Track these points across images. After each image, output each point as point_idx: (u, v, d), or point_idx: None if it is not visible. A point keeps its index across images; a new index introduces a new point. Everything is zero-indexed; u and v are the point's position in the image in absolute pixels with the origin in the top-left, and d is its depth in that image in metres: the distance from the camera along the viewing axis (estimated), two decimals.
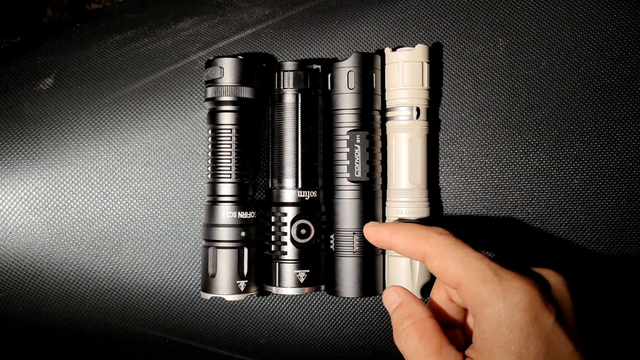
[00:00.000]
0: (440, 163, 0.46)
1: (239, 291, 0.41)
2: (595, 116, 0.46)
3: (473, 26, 0.47)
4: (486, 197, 0.46)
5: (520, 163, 0.46)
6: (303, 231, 0.42)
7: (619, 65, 0.46)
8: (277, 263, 0.42)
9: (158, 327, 0.47)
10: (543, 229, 0.46)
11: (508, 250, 0.46)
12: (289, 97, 0.43)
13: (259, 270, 0.43)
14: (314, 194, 0.43)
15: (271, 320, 0.47)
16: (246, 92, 0.42)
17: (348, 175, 0.43)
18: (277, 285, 0.42)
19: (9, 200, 0.46)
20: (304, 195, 0.43)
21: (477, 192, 0.46)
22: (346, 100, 0.43)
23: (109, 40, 0.50)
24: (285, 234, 0.42)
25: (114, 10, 0.54)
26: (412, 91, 0.43)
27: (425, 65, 0.43)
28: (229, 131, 0.42)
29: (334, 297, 0.47)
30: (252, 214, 0.43)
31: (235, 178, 0.42)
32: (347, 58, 0.43)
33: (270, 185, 0.44)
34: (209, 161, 0.43)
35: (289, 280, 0.42)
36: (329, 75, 0.44)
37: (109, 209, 0.46)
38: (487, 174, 0.46)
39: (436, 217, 0.46)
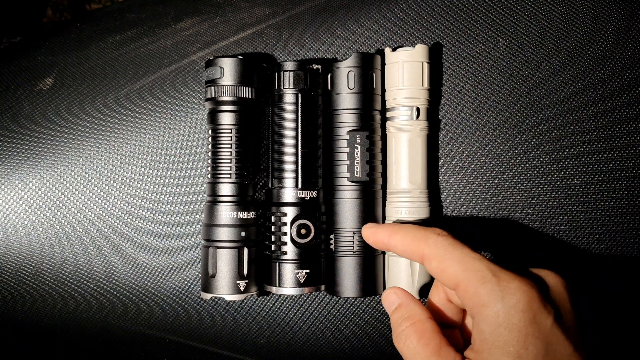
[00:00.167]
0: (440, 163, 0.46)
1: (239, 291, 0.41)
2: (595, 116, 0.46)
3: (473, 26, 0.47)
4: (486, 197, 0.46)
5: (520, 163, 0.46)
6: (303, 231, 0.42)
7: (619, 65, 0.46)
8: (277, 263, 0.42)
9: (158, 327, 0.47)
10: (543, 229, 0.46)
11: (508, 251, 0.46)
12: (289, 97, 0.43)
13: (259, 270, 0.43)
14: (314, 194, 0.43)
15: (271, 320, 0.47)
16: (246, 92, 0.42)
17: (348, 175, 0.43)
18: (277, 285, 0.42)
19: (9, 200, 0.46)
20: (304, 195, 0.43)
21: (477, 192, 0.46)
22: (346, 100, 0.43)
23: (109, 40, 0.50)
24: (285, 234, 0.42)
25: (114, 10, 0.54)
26: (412, 91, 0.43)
27: (425, 65, 0.43)
28: (229, 131, 0.42)
29: (334, 297, 0.47)
30: (252, 214, 0.43)
31: (235, 178, 0.42)
32: (347, 58, 0.43)
33: (270, 185, 0.44)
34: (209, 161, 0.43)
35: (289, 280, 0.42)
36: (329, 75, 0.44)
37: (109, 209, 0.46)
38: (487, 174, 0.46)
39: (436, 217, 0.46)
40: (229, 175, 0.42)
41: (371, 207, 0.43)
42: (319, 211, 0.43)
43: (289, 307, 0.47)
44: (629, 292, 0.46)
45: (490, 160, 0.46)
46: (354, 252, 0.43)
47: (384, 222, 0.44)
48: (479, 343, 0.32)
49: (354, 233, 0.43)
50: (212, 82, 0.42)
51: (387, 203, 0.44)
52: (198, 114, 0.47)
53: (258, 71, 0.43)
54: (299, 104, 0.43)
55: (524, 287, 0.31)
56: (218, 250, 0.41)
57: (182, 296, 0.46)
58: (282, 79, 0.43)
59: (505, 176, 0.46)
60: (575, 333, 0.32)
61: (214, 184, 0.43)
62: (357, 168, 0.43)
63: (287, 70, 0.43)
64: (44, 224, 0.46)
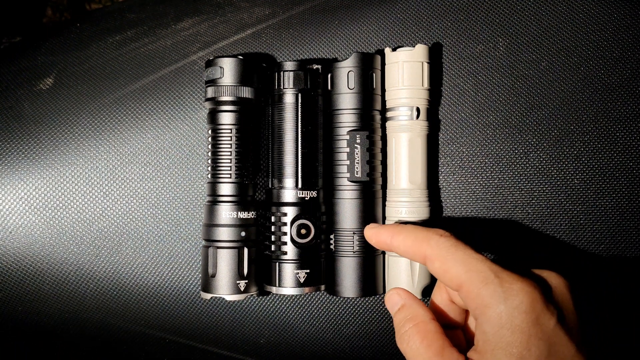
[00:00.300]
0: (440, 163, 0.46)
1: (239, 291, 0.41)
2: (595, 116, 0.46)
3: (473, 26, 0.47)
4: (486, 197, 0.46)
5: (520, 163, 0.46)
6: (303, 231, 0.42)
7: (619, 65, 0.46)
8: (277, 263, 0.42)
9: (158, 327, 0.47)
10: (543, 229, 0.46)
11: (508, 251, 0.46)
12: (289, 97, 0.43)
13: (259, 270, 0.43)
14: (314, 194, 0.43)
15: (271, 320, 0.47)
16: (246, 92, 0.42)
17: (348, 175, 0.43)
18: (277, 285, 0.42)
19: (9, 200, 0.46)
20: (304, 195, 0.43)
21: (477, 192, 0.46)
22: (346, 100, 0.43)
23: (109, 40, 0.50)
24: (285, 234, 0.42)
25: (114, 10, 0.54)
26: (412, 91, 0.43)
27: (425, 65, 0.43)
28: (229, 131, 0.42)
29: (334, 297, 0.47)
30: (252, 214, 0.43)
31: (235, 178, 0.42)
32: (347, 58, 0.43)
33: (270, 185, 0.44)
34: (209, 161, 0.43)
35: (289, 280, 0.42)
36: (329, 75, 0.44)
37: (109, 208, 0.46)
38: (487, 174, 0.46)
39: (436, 217, 0.46)
40: (229, 175, 0.42)
41: (371, 207, 0.43)
42: (319, 211, 0.43)
43: (289, 307, 0.47)
44: (629, 292, 0.46)
45: (490, 160, 0.46)
46: (354, 252, 0.43)
47: (384, 222, 0.44)
48: (481, 344, 0.32)
49: (354, 233, 0.43)
50: (212, 82, 0.42)
51: (387, 203, 0.44)
52: (198, 114, 0.47)
53: (258, 71, 0.43)
54: (299, 104, 0.43)
55: (526, 289, 0.31)
56: (218, 250, 0.41)
57: (182, 296, 0.46)
58: (282, 79, 0.43)
59: (505, 176, 0.46)
60: (578, 334, 0.32)
61: (214, 184, 0.42)
62: (357, 168, 0.43)
63: (287, 70, 0.43)
64: (44, 224, 0.46)
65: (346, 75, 0.43)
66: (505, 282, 0.31)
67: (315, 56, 0.47)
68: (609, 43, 0.47)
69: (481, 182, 0.46)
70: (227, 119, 0.42)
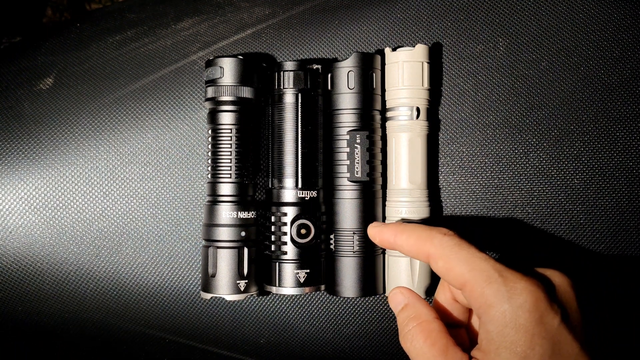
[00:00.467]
0: (440, 163, 0.46)
1: (239, 291, 0.41)
2: (595, 116, 0.46)
3: (473, 26, 0.47)
4: (486, 197, 0.46)
5: (520, 163, 0.46)
6: (303, 231, 0.42)
7: (619, 65, 0.46)
8: (277, 263, 0.42)
9: (158, 327, 0.47)
10: (543, 229, 0.46)
11: (508, 250, 0.46)
12: (289, 97, 0.43)
13: (259, 270, 0.43)
14: (314, 193, 0.43)
15: (271, 320, 0.47)
16: (246, 92, 0.42)
17: (348, 175, 0.43)
18: (277, 285, 0.42)
19: (9, 200, 0.46)
20: (304, 195, 0.43)
21: (477, 192, 0.46)
22: (346, 100, 0.43)
23: (109, 40, 0.50)
24: (285, 233, 0.42)
25: (114, 10, 0.54)
26: (412, 91, 0.43)
27: (425, 65, 0.43)
28: (229, 131, 0.42)
29: (334, 297, 0.47)
30: (252, 214, 0.43)
31: (235, 178, 0.42)
32: (347, 58, 0.43)
33: (270, 185, 0.44)
34: (209, 161, 0.43)
35: (289, 280, 0.42)
36: (329, 75, 0.44)
37: (109, 208, 0.46)
38: (487, 174, 0.46)
39: (436, 217, 0.46)
40: (229, 175, 0.42)
41: (371, 207, 0.43)
42: (319, 211, 0.43)
43: (289, 307, 0.47)
44: (629, 292, 0.46)
45: (490, 160, 0.46)
46: (354, 252, 0.43)
47: (384, 222, 0.44)
48: (485, 343, 0.32)
49: (354, 233, 0.43)
50: (212, 82, 0.42)
51: (387, 203, 0.44)
52: (198, 114, 0.47)
53: (258, 71, 0.43)
54: (299, 104, 0.43)
55: (530, 287, 0.31)
56: (218, 250, 0.41)
57: (182, 296, 0.46)
58: (282, 79, 0.43)
59: (505, 176, 0.46)
60: (582, 333, 0.32)
61: (214, 183, 0.42)
62: (357, 168, 0.43)
63: (287, 70, 0.43)
64: (44, 224, 0.46)
65: (346, 75, 0.43)
66: (509, 281, 0.31)
67: (315, 56, 0.47)
68: (609, 43, 0.47)
69: (481, 182, 0.46)
70: (227, 119, 0.42)
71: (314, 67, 0.43)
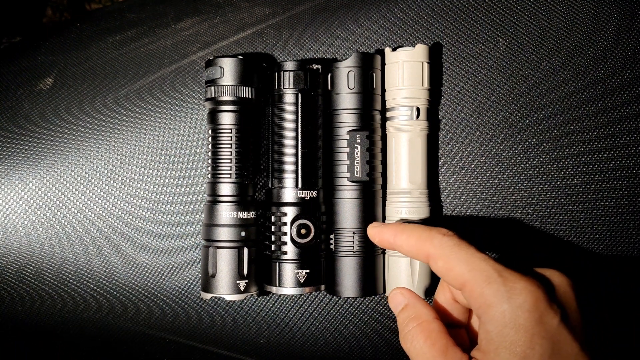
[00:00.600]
0: (440, 163, 0.46)
1: (239, 291, 0.41)
2: (595, 116, 0.46)
3: (473, 26, 0.47)
4: (486, 197, 0.46)
5: (520, 163, 0.46)
6: (303, 231, 0.42)
7: (619, 65, 0.46)
8: (277, 263, 0.42)
9: (158, 327, 0.47)
10: (543, 229, 0.46)
11: (508, 251, 0.46)
12: (289, 97, 0.43)
13: (259, 270, 0.43)
14: (314, 193, 0.43)
15: (271, 320, 0.47)
16: (246, 92, 0.42)
17: (348, 175, 0.43)
18: (277, 285, 0.42)
19: (9, 200, 0.46)
20: (304, 195, 0.43)
21: (477, 192, 0.46)
22: (346, 100, 0.43)
23: (109, 40, 0.50)
24: (285, 233, 0.42)
25: (114, 10, 0.54)
26: (412, 91, 0.43)
27: (425, 65, 0.43)
28: (229, 131, 0.42)
29: (334, 297, 0.47)
30: (252, 214, 0.43)
31: (235, 178, 0.42)
32: (347, 58, 0.43)
33: (270, 185, 0.44)
34: (209, 161, 0.43)
35: (289, 280, 0.42)
36: (329, 75, 0.44)
37: (109, 208, 0.46)
38: (487, 174, 0.46)
39: (436, 217, 0.46)
40: (229, 175, 0.42)
41: (371, 207, 0.43)
42: (319, 211, 0.43)
43: (289, 307, 0.47)
44: (629, 292, 0.46)
45: (490, 160, 0.46)
46: (354, 252, 0.43)
47: (384, 222, 0.44)
48: (485, 343, 0.32)
49: (354, 233, 0.43)
50: (212, 82, 0.42)
51: (387, 203, 0.44)
52: (198, 114, 0.47)
53: (258, 71, 0.43)
54: (299, 104, 0.43)
55: (530, 287, 0.31)
56: (218, 250, 0.41)
57: (182, 296, 0.46)
58: (282, 79, 0.43)
59: (505, 176, 0.46)
60: (582, 332, 0.32)
61: (214, 183, 0.42)
62: (357, 168, 0.43)
63: (287, 70, 0.43)
64: (44, 224, 0.46)
65: (346, 75, 0.43)
66: (508, 281, 0.31)
67: (315, 56, 0.47)
68: (609, 43, 0.47)
69: (481, 182, 0.46)
70: (227, 119, 0.42)
71: (314, 67, 0.43)
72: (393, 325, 0.47)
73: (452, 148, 0.46)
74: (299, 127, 0.43)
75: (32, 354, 0.51)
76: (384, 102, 0.45)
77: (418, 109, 0.43)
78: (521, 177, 0.46)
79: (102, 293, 0.46)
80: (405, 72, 0.43)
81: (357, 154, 0.43)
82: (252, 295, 0.43)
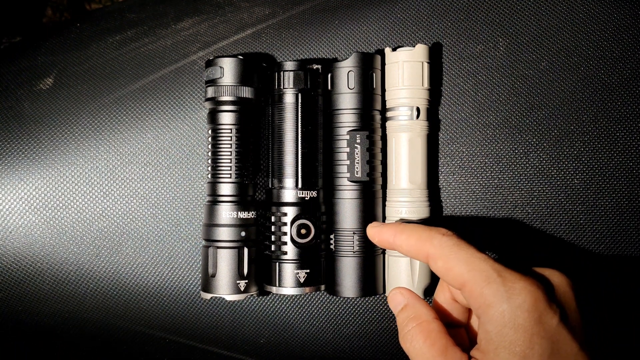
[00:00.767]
0: (440, 163, 0.46)
1: (239, 291, 0.41)
2: (595, 116, 0.46)
3: (473, 26, 0.47)
4: (486, 197, 0.46)
5: (520, 163, 0.46)
6: (303, 231, 0.42)
7: (619, 65, 0.46)
8: (277, 263, 0.42)
9: (158, 327, 0.47)
10: (543, 229, 0.46)
11: (508, 251, 0.46)
12: (289, 97, 0.43)
13: (259, 270, 0.43)
14: (314, 193, 0.43)
15: (271, 320, 0.47)
16: (246, 92, 0.42)
17: (348, 175, 0.43)
18: (277, 285, 0.42)
19: (9, 200, 0.46)
20: (304, 195, 0.43)
21: (477, 192, 0.46)
22: (346, 100, 0.43)
23: (109, 40, 0.50)
24: (285, 234, 0.42)
25: (114, 10, 0.54)
26: (412, 91, 0.43)
27: (425, 65, 0.43)
28: (229, 131, 0.42)
29: (334, 297, 0.47)
30: (252, 214, 0.43)
31: (235, 178, 0.42)
32: (347, 58, 0.43)
33: (270, 185, 0.44)
34: (209, 161, 0.43)
35: (289, 280, 0.42)
36: (329, 75, 0.44)
37: (109, 208, 0.46)
38: (487, 174, 0.46)
39: (436, 217, 0.46)
40: (229, 175, 0.42)
41: (371, 207, 0.43)
42: (319, 211, 0.43)
43: (289, 307, 0.47)
44: (629, 292, 0.46)
45: (490, 160, 0.46)
46: (354, 252, 0.43)
47: (384, 222, 0.44)
48: (484, 343, 0.32)
49: (354, 233, 0.43)
50: (212, 82, 0.42)
51: (387, 203, 0.44)
52: (198, 114, 0.47)
53: (258, 71, 0.43)
54: (299, 104, 0.43)
55: (529, 287, 0.31)
56: (218, 250, 0.41)
57: (182, 296, 0.46)
58: (282, 79, 0.43)
59: (505, 176, 0.46)
60: (581, 332, 0.32)
61: (214, 183, 0.42)
62: (357, 168, 0.43)
63: (287, 70, 0.43)
64: (44, 224, 0.46)
65: (346, 75, 0.43)
66: (507, 281, 0.31)
67: (315, 56, 0.47)
68: (609, 43, 0.47)
69: (481, 182, 0.46)
70: (227, 119, 0.42)
71: (314, 67, 0.43)
72: (393, 325, 0.47)
73: (452, 148, 0.46)
74: (299, 127, 0.43)
75: (32, 354, 0.51)
76: (384, 102, 0.45)
77: (418, 109, 0.43)
78: (521, 177, 0.46)
79: (102, 293, 0.46)
80: (405, 72, 0.43)
81: (357, 154, 0.43)
82: (252, 295, 0.43)
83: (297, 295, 0.47)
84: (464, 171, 0.46)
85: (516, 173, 0.46)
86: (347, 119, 0.43)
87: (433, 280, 0.43)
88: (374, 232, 0.40)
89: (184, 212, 0.46)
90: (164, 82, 0.47)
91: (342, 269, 0.43)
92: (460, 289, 0.33)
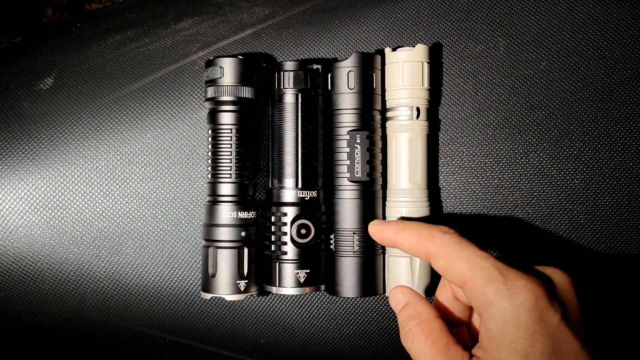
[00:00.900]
0: (440, 163, 0.46)
1: (239, 291, 0.41)
2: (595, 116, 0.46)
3: (473, 26, 0.47)
4: (486, 197, 0.46)
5: (520, 163, 0.46)
6: (303, 231, 0.42)
7: (619, 65, 0.46)
8: (277, 263, 0.42)
9: (158, 327, 0.47)
10: (543, 229, 0.46)
11: (508, 251, 0.46)
12: (289, 97, 0.43)
13: (259, 270, 0.43)
14: (314, 193, 0.43)
15: (271, 320, 0.47)
16: (246, 92, 0.42)
17: (348, 175, 0.43)
18: (277, 285, 0.42)
19: (9, 200, 0.46)
20: (304, 195, 0.43)
21: (477, 192, 0.46)
22: (346, 100, 0.43)
23: (109, 40, 0.50)
24: (285, 233, 0.42)
25: (114, 10, 0.54)
26: (412, 91, 0.43)
27: (425, 65, 0.43)
28: (229, 131, 0.42)
29: (334, 297, 0.47)
30: (252, 214, 0.43)
31: (235, 178, 0.42)
32: (347, 58, 0.43)
33: (270, 185, 0.44)
34: (209, 161, 0.43)
35: (289, 280, 0.42)
36: (329, 75, 0.44)
37: (109, 208, 0.46)
38: (487, 174, 0.46)
39: (436, 217, 0.46)
40: (229, 175, 0.42)
41: (371, 207, 0.43)
42: (319, 211, 0.43)
43: (289, 307, 0.47)
44: (629, 292, 0.46)
45: (490, 160, 0.46)
46: (354, 252, 0.43)
47: None
48: (486, 341, 0.32)
49: (354, 233, 0.43)
50: (212, 82, 0.42)
51: (387, 203, 0.44)
52: (198, 114, 0.47)
53: (258, 71, 0.43)
54: (299, 104, 0.43)
55: (530, 286, 0.31)
56: (218, 250, 0.41)
57: (182, 296, 0.46)
58: (282, 79, 0.43)
59: (505, 176, 0.46)
60: (582, 330, 0.32)
61: (214, 183, 0.42)
62: (357, 168, 0.43)
63: (287, 70, 0.43)
64: (44, 224, 0.46)
65: (346, 75, 0.43)
66: (509, 279, 0.31)
67: (315, 56, 0.47)
68: (609, 43, 0.47)
69: (481, 182, 0.46)
70: (227, 119, 0.42)
71: (314, 67, 0.43)
72: (393, 325, 0.47)
73: (452, 148, 0.46)
74: (299, 127, 0.43)
75: (32, 354, 0.51)
76: (384, 102, 0.45)
77: (418, 109, 0.43)
78: (521, 177, 0.46)
79: (102, 293, 0.46)
80: (405, 72, 0.43)
81: (357, 154, 0.43)
82: (252, 295, 0.43)
83: (297, 295, 0.47)
84: (464, 171, 0.46)
85: (516, 173, 0.46)
86: (347, 119, 0.43)
87: (433, 280, 0.43)
88: (376, 229, 0.40)
89: (184, 212, 0.46)
90: (164, 82, 0.47)
91: (342, 269, 0.43)
92: (462, 287, 0.33)
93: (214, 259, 0.41)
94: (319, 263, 0.43)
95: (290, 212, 0.42)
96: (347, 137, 0.43)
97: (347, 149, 0.43)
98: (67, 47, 0.50)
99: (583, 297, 0.33)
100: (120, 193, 0.46)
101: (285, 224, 0.42)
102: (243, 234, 0.42)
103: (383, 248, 0.44)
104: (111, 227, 0.46)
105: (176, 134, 0.47)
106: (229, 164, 0.42)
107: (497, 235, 0.46)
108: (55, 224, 0.46)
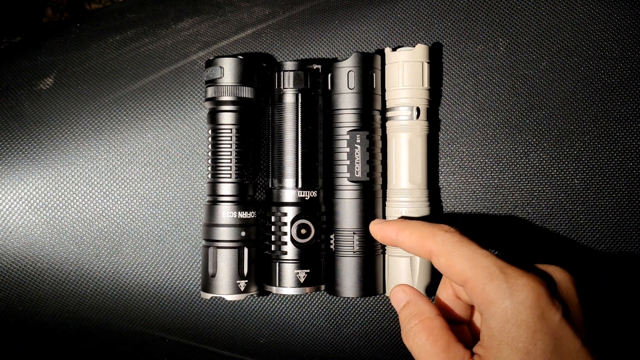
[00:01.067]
0: (440, 163, 0.46)
1: (239, 291, 0.41)
2: (595, 116, 0.46)
3: (473, 26, 0.47)
4: (486, 197, 0.46)
5: (520, 163, 0.46)
6: (303, 231, 0.42)
7: (619, 65, 0.46)
8: (277, 263, 0.42)
9: (158, 327, 0.47)
10: (543, 228, 0.46)
11: (508, 250, 0.46)
12: (289, 97, 0.43)
13: (259, 270, 0.43)
14: (314, 193, 0.43)
15: (271, 320, 0.47)
16: (246, 92, 0.42)
17: (348, 175, 0.43)
18: (277, 285, 0.42)
19: (9, 200, 0.46)
20: (304, 195, 0.43)
21: (477, 192, 0.46)
22: (346, 100, 0.43)
23: (109, 40, 0.50)
24: (285, 233, 0.42)
25: (114, 10, 0.54)
26: (412, 91, 0.43)
27: (426, 65, 0.43)
28: (229, 131, 0.42)
29: (334, 297, 0.47)
30: (252, 214, 0.43)
31: (235, 178, 0.42)
32: (347, 58, 0.43)
33: (270, 185, 0.44)
34: (209, 161, 0.43)
35: (289, 280, 0.42)
36: (329, 75, 0.44)
37: (108, 208, 0.46)
38: (487, 174, 0.46)
39: (436, 217, 0.46)
40: (229, 175, 0.42)
41: (371, 207, 0.43)
42: (319, 211, 0.43)
43: (289, 307, 0.47)
44: (629, 292, 0.46)
45: (490, 160, 0.46)
46: (354, 252, 0.43)
47: None
48: (487, 339, 0.32)
49: (354, 233, 0.43)
50: (212, 82, 0.42)
51: (387, 203, 0.44)
52: (198, 114, 0.47)
53: (258, 71, 0.43)
54: (299, 104, 0.43)
55: (531, 284, 0.31)
56: (218, 250, 0.41)
57: (182, 296, 0.46)
58: (282, 79, 0.43)
59: (505, 176, 0.46)
60: (583, 328, 0.32)
61: (214, 183, 0.42)
62: (357, 168, 0.43)
63: (287, 70, 0.43)
64: (44, 224, 0.46)
65: (346, 75, 0.43)
66: (510, 277, 0.31)
67: (315, 56, 0.47)
68: (609, 43, 0.47)
69: (481, 182, 0.46)
70: (227, 118, 0.42)
71: (314, 67, 0.43)
72: (393, 325, 0.47)
73: (452, 148, 0.46)
74: (299, 127, 0.43)
75: (32, 354, 0.51)
76: (384, 102, 0.45)
77: (418, 109, 0.43)
78: (521, 177, 0.46)
79: (102, 293, 0.46)
80: (405, 72, 0.43)
81: (357, 154, 0.43)
82: (252, 295, 0.43)
83: (297, 295, 0.47)
84: (464, 171, 0.46)
85: (516, 173, 0.46)
86: (347, 119, 0.43)
87: (433, 280, 0.43)
88: (377, 228, 0.40)
89: (184, 212, 0.46)
90: (164, 82, 0.47)
91: (342, 269, 0.43)
92: (463, 285, 0.33)
93: (214, 259, 0.41)
94: (319, 263, 0.43)
95: (290, 212, 0.42)
96: (347, 137, 0.43)
97: (347, 149, 0.43)
98: (67, 47, 0.50)
99: (583, 298, 0.33)
100: (120, 193, 0.46)
101: (285, 224, 0.42)
102: (243, 234, 0.42)
103: (383, 248, 0.44)
104: (111, 227, 0.46)
105: (176, 134, 0.47)
106: (229, 164, 0.42)
107: (497, 235, 0.46)
108: (55, 224, 0.46)
